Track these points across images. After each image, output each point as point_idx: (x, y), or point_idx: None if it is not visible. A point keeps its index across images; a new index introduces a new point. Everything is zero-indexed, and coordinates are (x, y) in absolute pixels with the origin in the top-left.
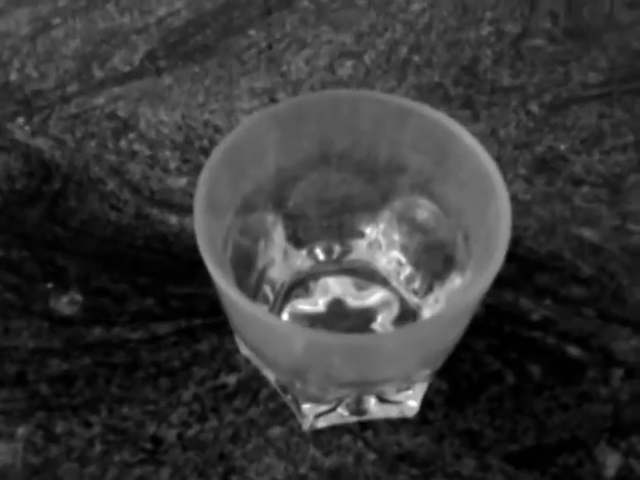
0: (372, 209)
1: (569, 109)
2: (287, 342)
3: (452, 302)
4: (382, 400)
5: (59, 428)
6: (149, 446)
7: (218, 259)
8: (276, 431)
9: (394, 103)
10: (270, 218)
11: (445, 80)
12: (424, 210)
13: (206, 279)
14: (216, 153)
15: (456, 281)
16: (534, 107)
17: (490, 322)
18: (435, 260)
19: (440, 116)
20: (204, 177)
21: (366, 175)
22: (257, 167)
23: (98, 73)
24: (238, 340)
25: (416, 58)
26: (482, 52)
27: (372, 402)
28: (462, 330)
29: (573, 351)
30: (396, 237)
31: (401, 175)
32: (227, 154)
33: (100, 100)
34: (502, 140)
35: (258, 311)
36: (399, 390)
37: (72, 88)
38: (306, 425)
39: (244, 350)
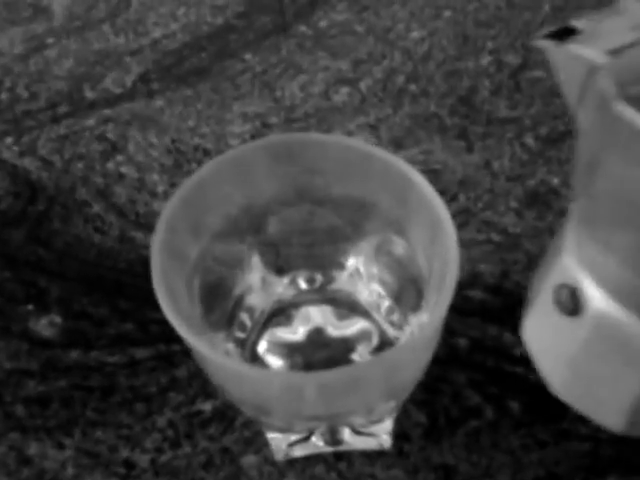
0: (352, 241)
1: (564, 142)
2: (250, 384)
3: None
4: (356, 432)
5: (32, 449)
6: (121, 470)
7: (176, 308)
8: (250, 459)
9: (359, 148)
10: (245, 247)
11: (441, 110)
12: (397, 246)
13: None
14: (175, 197)
15: (424, 316)
16: (529, 140)
17: (473, 356)
18: (410, 294)
19: (400, 164)
20: (162, 221)
21: (342, 211)
22: (225, 205)
23: (89, 94)
24: None
25: (413, 87)
26: (480, 82)
27: (347, 433)
28: (423, 364)
29: None
30: (375, 270)
31: (373, 213)
32: (187, 197)
33: (90, 121)
34: (495, 172)
35: (213, 354)
36: (370, 422)
37: (62, 109)
38: (279, 455)
39: None
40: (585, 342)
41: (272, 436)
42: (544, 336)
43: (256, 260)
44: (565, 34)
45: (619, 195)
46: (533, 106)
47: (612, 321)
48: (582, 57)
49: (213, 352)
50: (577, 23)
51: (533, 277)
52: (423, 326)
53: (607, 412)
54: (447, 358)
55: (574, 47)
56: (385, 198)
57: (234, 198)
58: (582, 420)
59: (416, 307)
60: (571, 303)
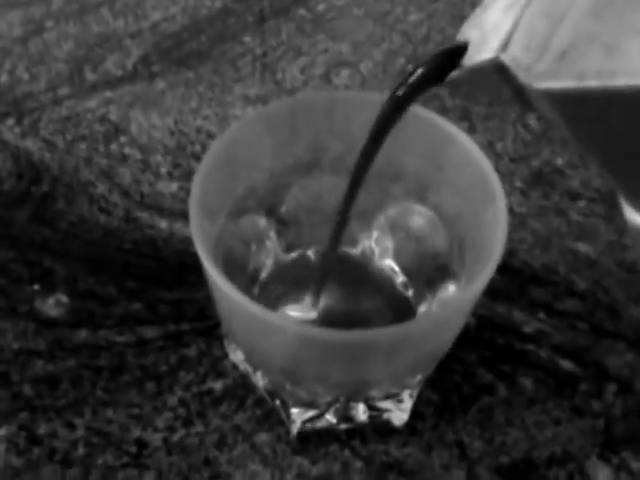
0: (365, 216)
1: None
2: (281, 336)
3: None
4: (371, 407)
5: (42, 429)
6: (133, 450)
7: (212, 256)
8: (262, 438)
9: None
10: (262, 222)
11: (442, 91)
12: (419, 217)
13: (195, 284)
14: (209, 155)
15: (450, 289)
16: (532, 121)
17: (483, 334)
18: (428, 268)
19: (437, 118)
20: (198, 179)
21: None
22: (248, 171)
23: (90, 76)
24: (227, 345)
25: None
26: None
27: (360, 409)
28: (454, 334)
29: (566, 365)
30: (389, 245)
31: (396, 181)
32: (220, 157)
33: (92, 103)
34: (499, 152)
35: (252, 304)
36: (388, 396)
37: (63, 91)
38: (294, 430)
39: (233, 356)
40: None
41: (293, 411)
42: None
43: (272, 237)
44: (459, 54)
45: None
46: None
47: None
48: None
49: (257, 305)
50: (462, 38)
51: None
52: (447, 300)
53: None
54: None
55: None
56: (412, 164)
57: (256, 163)
58: (595, 396)
59: (436, 282)
60: None
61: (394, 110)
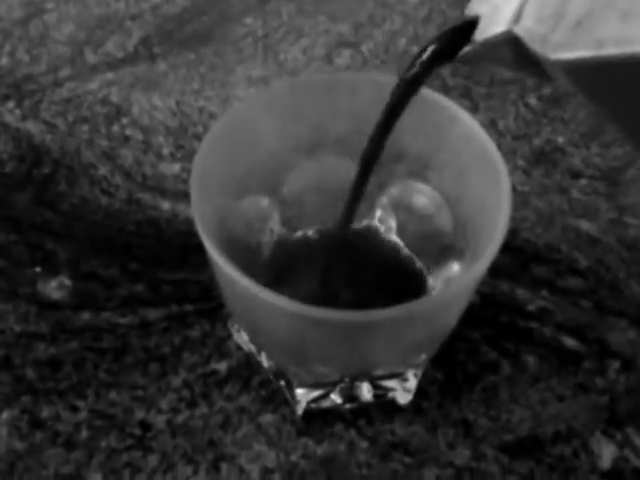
0: (368, 196)
1: (568, 102)
2: (284, 318)
3: (451, 283)
4: (376, 387)
5: (45, 413)
6: (137, 432)
7: (215, 237)
8: (267, 418)
9: (391, 84)
10: (265, 202)
11: (443, 71)
12: (422, 196)
13: (198, 265)
14: (210, 135)
15: (454, 267)
16: (533, 100)
17: (486, 312)
18: (432, 247)
19: (440, 98)
20: (199, 159)
21: None
22: (250, 151)
23: (91, 58)
24: (231, 326)
25: (415, 49)
26: None
27: (365, 389)
28: (459, 313)
29: (569, 342)
30: (393, 223)
31: (399, 161)
32: (221, 137)
33: (93, 85)
34: (501, 131)
35: (254, 285)
36: (393, 375)
37: (64, 73)
38: (299, 411)
39: (237, 336)
40: None
41: (298, 391)
42: None
43: (274, 218)
44: (470, 29)
45: None
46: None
47: None
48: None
49: (259, 287)
50: (471, 12)
51: None
52: (452, 279)
53: None
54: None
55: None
56: (416, 143)
57: (258, 143)
58: (598, 373)
59: (440, 260)
60: None
61: (408, 88)
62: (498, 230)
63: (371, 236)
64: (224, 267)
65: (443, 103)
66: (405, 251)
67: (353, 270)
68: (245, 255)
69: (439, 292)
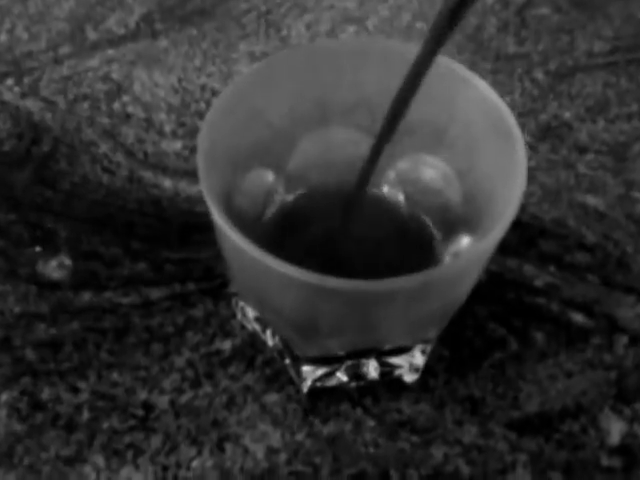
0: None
1: (574, 77)
2: (294, 288)
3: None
4: (382, 364)
5: (45, 394)
6: (140, 413)
7: (222, 208)
8: (272, 397)
9: (405, 53)
10: (270, 177)
11: (449, 47)
12: (431, 169)
13: (201, 243)
14: (215, 109)
15: (464, 241)
16: (539, 75)
17: (493, 288)
18: (440, 221)
19: (450, 62)
20: (205, 132)
21: (369, 132)
22: (254, 124)
23: (92, 35)
24: (235, 305)
25: (420, 24)
26: (487, 20)
27: (372, 366)
28: (470, 286)
29: (577, 318)
30: (401, 198)
31: (407, 133)
32: (225, 110)
33: (94, 62)
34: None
35: (264, 254)
36: (401, 351)
37: (64, 50)
38: (304, 388)
39: (240, 315)
40: None
41: (302, 369)
42: None
43: (280, 193)
44: None
45: None
46: (540, 42)
47: None
48: None
49: (269, 256)
50: None
51: None
52: (462, 252)
53: None
54: None
55: None
56: (425, 112)
57: (262, 116)
58: (606, 349)
59: (449, 235)
60: None
61: (451, 16)
62: (513, 199)
63: (382, 204)
64: (234, 238)
65: (454, 68)
66: (418, 220)
67: (363, 237)
68: (251, 230)
69: (452, 263)
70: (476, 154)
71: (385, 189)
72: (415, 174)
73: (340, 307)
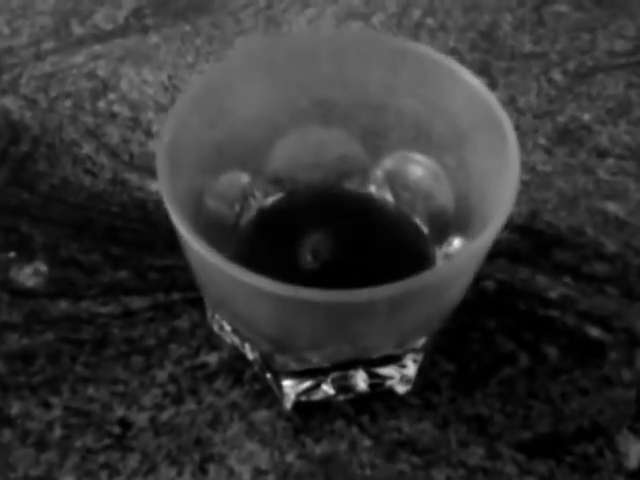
0: (361, 170)
1: (594, 77)
2: (266, 301)
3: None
4: (371, 375)
5: (14, 409)
6: (116, 430)
7: (187, 216)
8: (261, 415)
9: (387, 44)
10: (245, 179)
11: (461, 45)
12: (419, 167)
13: None
14: (183, 100)
15: (455, 243)
16: (557, 75)
17: (503, 300)
18: (431, 222)
19: (437, 55)
20: (168, 125)
21: (353, 130)
22: (229, 119)
23: (78, 30)
24: (211, 318)
25: (430, 21)
26: (502, 17)
27: (360, 378)
28: (462, 290)
29: (594, 332)
30: (389, 198)
31: (393, 128)
32: (196, 102)
33: (78, 59)
34: (521, 109)
35: (231, 266)
36: (390, 361)
37: (47, 45)
38: (287, 404)
39: (216, 328)
40: None
41: (282, 384)
42: None
43: (258, 195)
44: None
45: None
46: (559, 41)
47: None
48: None
49: (246, 272)
50: None
51: None
52: (452, 255)
53: None
54: (474, 303)
55: None
56: (412, 107)
57: (238, 111)
58: (625, 365)
59: (440, 236)
60: None
61: None
62: (506, 197)
63: (369, 204)
64: (198, 249)
65: (441, 61)
66: (408, 220)
67: (349, 240)
68: (226, 237)
69: (438, 268)
70: (465, 151)
71: (372, 189)
72: (402, 172)
73: (318, 320)
